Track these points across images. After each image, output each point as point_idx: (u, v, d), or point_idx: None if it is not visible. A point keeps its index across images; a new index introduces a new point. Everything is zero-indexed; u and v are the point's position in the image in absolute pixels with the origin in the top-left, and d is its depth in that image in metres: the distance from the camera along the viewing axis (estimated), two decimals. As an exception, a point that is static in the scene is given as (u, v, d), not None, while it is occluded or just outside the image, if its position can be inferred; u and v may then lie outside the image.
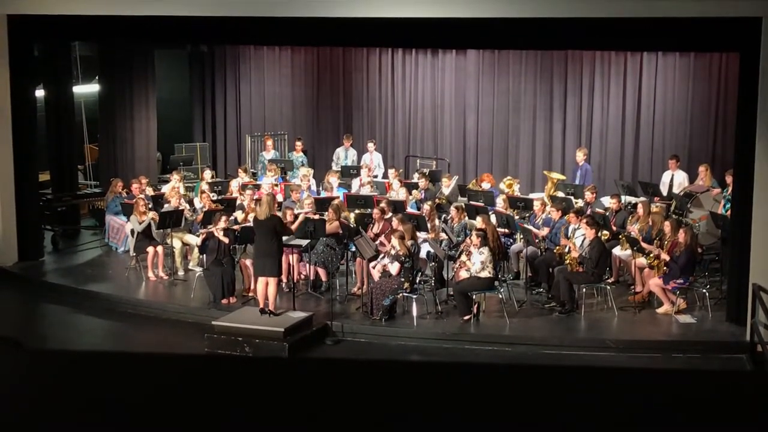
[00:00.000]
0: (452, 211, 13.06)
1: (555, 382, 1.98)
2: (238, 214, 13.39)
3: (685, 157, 16.02)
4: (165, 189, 15.07)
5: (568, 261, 11.73)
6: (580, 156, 15.55)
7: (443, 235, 12.78)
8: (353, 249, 12.27)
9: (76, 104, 17.08)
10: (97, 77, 17.72)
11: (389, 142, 18.60)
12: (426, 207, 13.23)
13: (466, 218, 12.92)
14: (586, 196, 13.85)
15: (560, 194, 14.60)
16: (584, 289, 11.87)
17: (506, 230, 12.98)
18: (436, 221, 13.07)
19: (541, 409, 1.87)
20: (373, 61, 18.65)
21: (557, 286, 11.78)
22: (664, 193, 14.70)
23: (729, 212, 12.40)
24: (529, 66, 17.34)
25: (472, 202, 13.89)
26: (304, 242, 11.93)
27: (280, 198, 14.38)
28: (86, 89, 18.13)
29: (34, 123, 14.63)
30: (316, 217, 12.70)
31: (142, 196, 14.14)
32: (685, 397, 1.92)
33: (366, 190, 15.05)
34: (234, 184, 15.00)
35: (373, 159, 16.95)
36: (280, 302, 11.50)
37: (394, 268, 11.39)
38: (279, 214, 12.34)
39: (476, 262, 11.31)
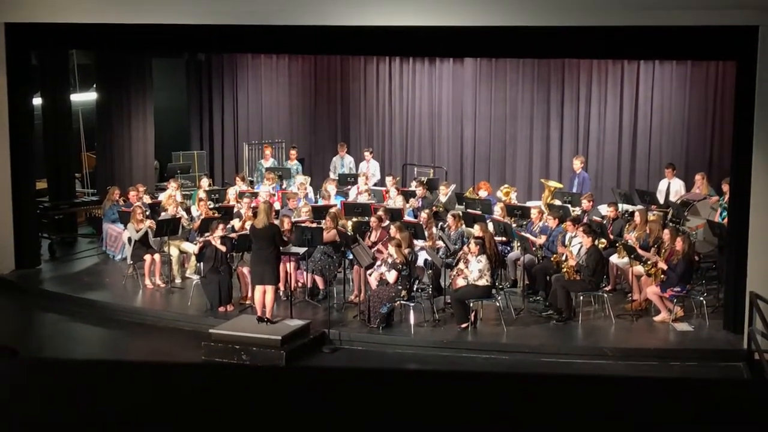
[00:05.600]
0: (449, 219, 13.05)
1: (552, 390, 1.98)
2: (235, 222, 13.38)
3: (682, 166, 16.03)
4: (162, 197, 15.05)
5: (565, 269, 11.73)
6: (577, 164, 15.57)
7: (440, 243, 12.77)
8: (350, 257, 12.27)
9: (74, 112, 17.07)
10: (94, 85, 17.73)
11: (387, 150, 18.60)
12: (423, 215, 13.22)
13: (463, 226, 12.92)
14: (583, 204, 13.85)
15: (557, 202, 14.60)
16: (581, 297, 11.87)
17: (503, 238, 12.98)
18: (434, 229, 13.06)
19: (538, 417, 1.87)
20: (371, 69, 18.67)
21: (554, 294, 11.78)
22: (661, 201, 14.72)
23: (726, 220, 12.41)
24: (526, 74, 17.36)
25: (469, 210, 13.89)
26: (302, 250, 11.93)
27: (277, 206, 14.38)
28: (84, 97, 18.14)
29: (31, 131, 14.63)
30: (314, 225, 12.69)
31: (139, 204, 14.12)
32: (682, 406, 1.92)
33: (363, 199, 15.05)
34: (231, 192, 15.00)
35: (370, 167, 16.96)
36: (277, 310, 11.50)
37: (391, 276, 11.37)
38: (276, 222, 12.35)
39: (473, 270, 11.31)
